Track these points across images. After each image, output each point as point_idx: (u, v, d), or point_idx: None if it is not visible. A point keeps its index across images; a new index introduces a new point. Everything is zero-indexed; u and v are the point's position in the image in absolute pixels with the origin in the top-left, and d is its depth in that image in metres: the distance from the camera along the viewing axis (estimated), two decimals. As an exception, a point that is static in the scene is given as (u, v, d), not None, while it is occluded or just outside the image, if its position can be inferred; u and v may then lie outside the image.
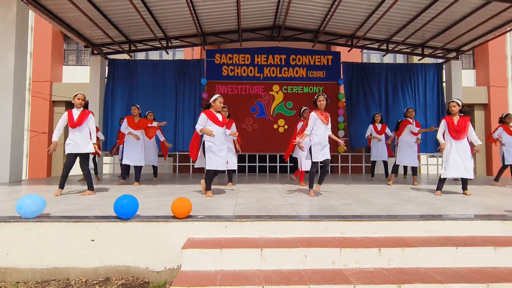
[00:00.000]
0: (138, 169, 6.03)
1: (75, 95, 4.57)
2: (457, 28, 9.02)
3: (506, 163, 6.19)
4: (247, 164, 10.66)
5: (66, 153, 4.42)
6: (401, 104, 10.52)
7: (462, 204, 3.79)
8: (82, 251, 2.74)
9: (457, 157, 4.59)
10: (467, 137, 4.66)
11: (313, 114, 4.39)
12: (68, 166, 4.44)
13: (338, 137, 4.44)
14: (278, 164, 10.68)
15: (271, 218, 2.86)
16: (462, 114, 4.76)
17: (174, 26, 9.56)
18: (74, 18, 8.28)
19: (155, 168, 7.47)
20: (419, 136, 6.39)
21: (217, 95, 4.46)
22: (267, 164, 10.71)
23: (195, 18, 8.96)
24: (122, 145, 6.21)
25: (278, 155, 10.64)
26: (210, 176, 4.32)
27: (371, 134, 7.89)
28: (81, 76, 11.99)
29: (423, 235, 2.82)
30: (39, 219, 2.79)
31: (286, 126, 10.47)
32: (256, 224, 2.82)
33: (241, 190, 5.08)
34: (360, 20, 9.24)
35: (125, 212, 2.76)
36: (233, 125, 6.06)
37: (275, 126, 10.54)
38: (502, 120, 6.40)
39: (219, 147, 4.24)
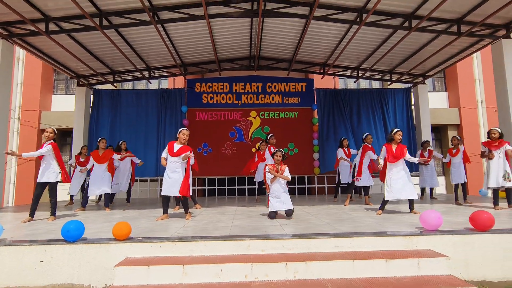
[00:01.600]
0: (106, 196, 6.45)
1: (46, 130, 4.98)
2: (419, 55, 9.70)
3: (452, 182, 6.69)
4: (226, 187, 11.04)
5: (38, 181, 4.82)
6: (372, 127, 11.06)
7: (387, 222, 4.19)
8: (32, 271, 3.11)
9: (400, 180, 5.02)
10: (404, 161, 5.11)
11: (267, 175, 4.78)
12: (38, 195, 4.85)
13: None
14: (256, 187, 11.03)
15: (201, 239, 3.27)
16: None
17: (156, 58, 10.23)
18: (59, 53, 8.91)
19: (128, 193, 7.85)
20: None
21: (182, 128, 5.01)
22: (246, 187, 11.09)
23: (174, 51, 9.64)
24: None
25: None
26: (163, 201, 4.78)
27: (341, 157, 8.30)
28: (70, 105, 12.52)
29: (333, 250, 3.21)
30: (-5, 243, 3.18)
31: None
32: (187, 244, 3.21)
33: (201, 213, 5.47)
34: (329, 49, 9.94)
35: (71, 235, 3.16)
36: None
37: (253, 149, 10.97)
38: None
39: (168, 175, 4.71)
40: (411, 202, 5.11)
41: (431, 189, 8.36)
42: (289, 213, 4.71)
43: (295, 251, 3.21)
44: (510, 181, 5.27)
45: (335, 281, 2.78)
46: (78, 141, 10.36)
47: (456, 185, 6.86)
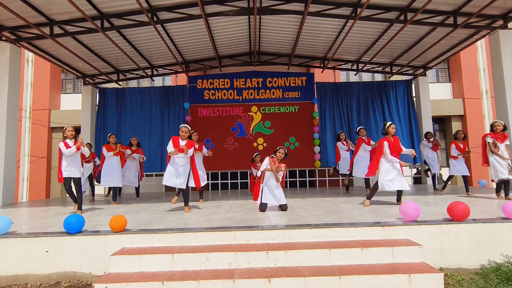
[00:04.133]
0: (114, 190, 6.77)
1: (65, 129, 5.17)
2: (419, 47, 9.68)
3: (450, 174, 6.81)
4: (229, 181, 11.31)
5: (64, 176, 5.05)
6: (372, 120, 11.12)
7: (370, 213, 4.36)
8: (38, 261, 3.41)
9: (396, 172, 5.12)
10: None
11: (264, 166, 5.02)
12: (68, 189, 5.12)
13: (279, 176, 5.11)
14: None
15: (189, 230, 3.51)
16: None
17: (158, 57, 10.47)
18: (65, 55, 9.24)
19: (137, 188, 8.15)
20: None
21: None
22: (248, 181, 11.31)
23: (175, 50, 9.86)
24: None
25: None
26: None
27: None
28: (78, 103, 12.91)
29: (314, 240, 3.41)
30: (5, 235, 3.49)
31: (265, 144, 11.15)
32: (177, 235, 3.46)
33: (199, 207, 5.73)
34: (328, 43, 10.01)
35: (72, 228, 3.45)
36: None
37: (255, 144, 11.22)
38: (455, 136, 6.96)
39: (174, 167, 4.99)
40: (399, 193, 5.22)
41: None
42: (284, 208, 4.92)
43: (278, 241, 3.42)
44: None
45: (312, 268, 2.98)
46: (85, 139, 10.72)
47: (451, 176, 6.93)
